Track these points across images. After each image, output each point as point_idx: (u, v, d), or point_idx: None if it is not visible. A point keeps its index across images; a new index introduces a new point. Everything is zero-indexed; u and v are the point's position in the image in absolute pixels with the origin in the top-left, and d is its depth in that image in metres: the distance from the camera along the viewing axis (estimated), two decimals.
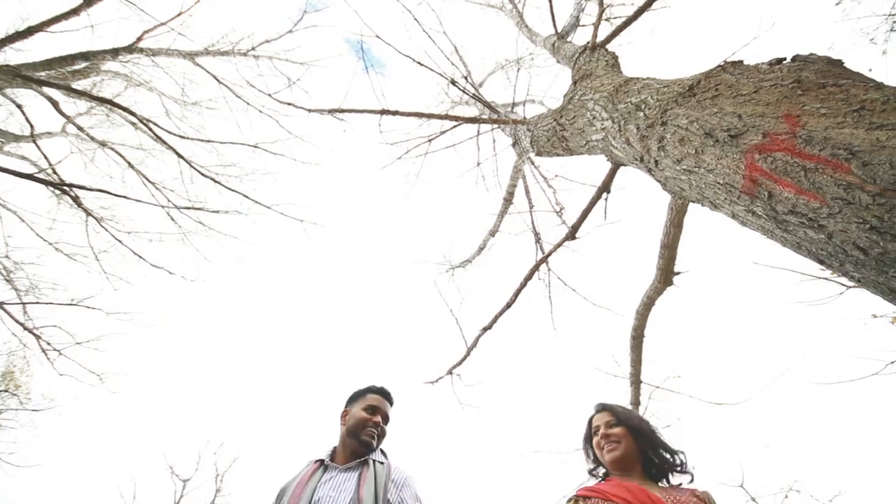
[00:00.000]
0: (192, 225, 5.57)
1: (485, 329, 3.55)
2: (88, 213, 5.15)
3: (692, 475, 1.49)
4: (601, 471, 1.57)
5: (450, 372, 3.66)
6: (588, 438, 1.65)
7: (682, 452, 1.53)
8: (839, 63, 1.14)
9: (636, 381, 3.37)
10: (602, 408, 1.66)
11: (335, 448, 1.68)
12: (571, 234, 2.97)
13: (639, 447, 1.51)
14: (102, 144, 5.68)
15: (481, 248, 4.90)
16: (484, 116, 3.73)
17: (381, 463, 1.56)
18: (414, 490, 1.54)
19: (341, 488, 1.43)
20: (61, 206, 5.75)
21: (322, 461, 1.59)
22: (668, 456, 1.52)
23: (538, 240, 4.17)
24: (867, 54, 4.85)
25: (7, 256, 5.74)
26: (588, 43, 2.77)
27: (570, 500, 1.42)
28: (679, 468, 1.50)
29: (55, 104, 5.15)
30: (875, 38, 4.79)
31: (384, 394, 1.80)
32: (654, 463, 1.50)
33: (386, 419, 1.76)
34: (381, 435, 1.69)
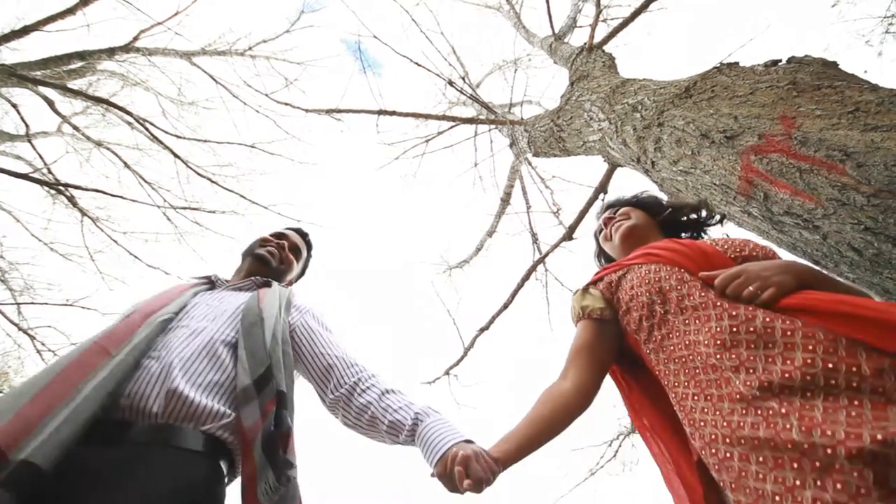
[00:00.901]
0: (189, 225, 5.54)
1: (482, 329, 3.55)
2: (84, 213, 5.11)
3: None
4: None
5: (447, 372, 3.66)
6: (600, 252, 1.34)
7: (704, 202, 1.19)
8: (834, 65, 1.14)
9: None
10: (606, 206, 1.32)
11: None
12: (568, 235, 2.98)
13: (653, 216, 1.20)
14: (98, 144, 5.65)
15: (479, 249, 4.90)
16: (481, 117, 3.73)
17: (285, 287, 1.29)
18: (320, 317, 1.24)
19: (226, 300, 1.12)
20: (56, 206, 5.71)
21: (209, 278, 1.26)
22: (693, 216, 1.18)
23: (535, 240, 4.17)
24: (862, 56, 4.89)
25: (2, 257, 5.70)
26: (585, 44, 2.78)
27: (575, 293, 1.11)
28: (711, 221, 1.18)
29: (51, 103, 5.12)
30: (871, 40, 4.82)
31: (299, 231, 1.55)
32: (683, 227, 1.19)
33: (295, 251, 1.47)
34: (285, 261, 1.40)
